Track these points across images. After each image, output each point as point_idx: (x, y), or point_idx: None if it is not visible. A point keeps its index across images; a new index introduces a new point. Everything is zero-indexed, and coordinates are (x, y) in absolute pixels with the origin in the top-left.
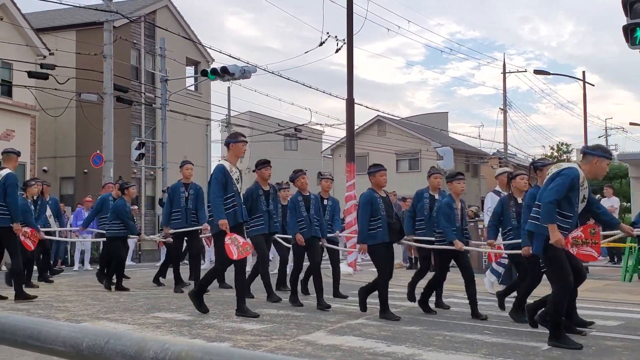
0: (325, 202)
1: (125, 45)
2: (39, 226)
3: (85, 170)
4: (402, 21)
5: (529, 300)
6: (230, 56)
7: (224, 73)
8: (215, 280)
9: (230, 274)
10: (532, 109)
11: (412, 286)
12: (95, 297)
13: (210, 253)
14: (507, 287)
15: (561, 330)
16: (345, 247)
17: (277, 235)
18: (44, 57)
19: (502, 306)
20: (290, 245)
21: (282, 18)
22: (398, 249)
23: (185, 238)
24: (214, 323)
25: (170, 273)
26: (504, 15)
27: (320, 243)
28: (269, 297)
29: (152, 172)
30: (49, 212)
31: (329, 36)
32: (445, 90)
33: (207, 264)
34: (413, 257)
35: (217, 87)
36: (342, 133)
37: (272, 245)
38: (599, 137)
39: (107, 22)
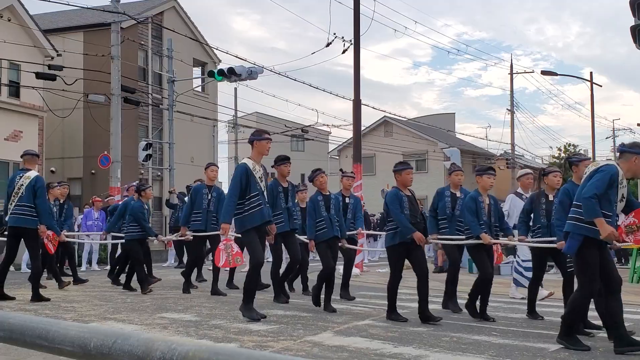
0: (347, 200)
1: (132, 47)
2: (64, 230)
3: (93, 171)
4: (409, 22)
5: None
6: (237, 57)
7: (230, 74)
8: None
9: (239, 275)
10: (539, 109)
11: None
12: (102, 298)
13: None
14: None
15: (572, 331)
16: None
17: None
18: (52, 58)
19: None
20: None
21: (288, 19)
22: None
23: (207, 240)
24: (221, 324)
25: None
26: (511, 16)
27: (340, 244)
28: (275, 298)
29: (159, 173)
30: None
31: (335, 37)
32: (452, 91)
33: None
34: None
35: (224, 88)
36: (348, 134)
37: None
38: (607, 137)
39: (115, 24)
